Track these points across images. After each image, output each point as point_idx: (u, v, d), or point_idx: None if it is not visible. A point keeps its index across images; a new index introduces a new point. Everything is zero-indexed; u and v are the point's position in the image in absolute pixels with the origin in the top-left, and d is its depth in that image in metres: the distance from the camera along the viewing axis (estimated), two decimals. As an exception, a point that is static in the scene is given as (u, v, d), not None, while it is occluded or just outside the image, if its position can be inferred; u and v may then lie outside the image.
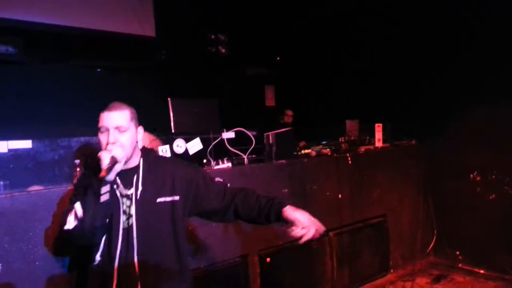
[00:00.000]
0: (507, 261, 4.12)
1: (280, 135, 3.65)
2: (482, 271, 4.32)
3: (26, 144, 2.35)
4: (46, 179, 2.33)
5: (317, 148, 4.15)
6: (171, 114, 3.30)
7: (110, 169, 1.67)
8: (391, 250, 4.25)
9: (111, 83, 4.80)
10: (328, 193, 3.74)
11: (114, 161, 1.70)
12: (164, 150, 3.09)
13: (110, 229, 1.79)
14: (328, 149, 4.13)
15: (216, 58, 6.14)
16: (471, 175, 4.43)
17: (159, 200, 1.88)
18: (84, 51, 4.79)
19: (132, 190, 1.85)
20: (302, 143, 4.52)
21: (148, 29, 5.51)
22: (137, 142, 1.90)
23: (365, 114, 4.72)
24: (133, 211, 1.83)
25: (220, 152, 3.31)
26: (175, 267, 1.90)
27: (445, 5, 4.57)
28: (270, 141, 3.60)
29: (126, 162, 1.82)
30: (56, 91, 4.56)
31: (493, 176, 4.29)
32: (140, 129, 1.92)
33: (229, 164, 3.22)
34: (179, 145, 3.04)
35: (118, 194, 1.83)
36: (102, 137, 1.81)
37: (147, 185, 1.87)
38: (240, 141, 3.45)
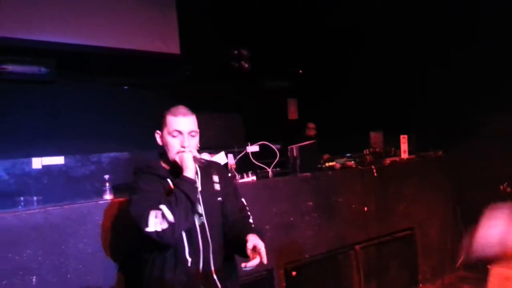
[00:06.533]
0: (542, 275, 3.97)
1: (304, 148, 3.66)
2: (515, 286, 4.16)
3: (59, 160, 2.44)
4: (78, 194, 2.41)
5: (342, 160, 4.13)
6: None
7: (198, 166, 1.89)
8: (419, 263, 4.15)
9: (138, 100, 4.91)
10: (353, 206, 3.71)
11: (197, 161, 1.89)
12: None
13: (190, 228, 1.86)
14: (352, 162, 4.10)
15: (239, 73, 6.23)
16: (501, 186, 4.32)
17: (217, 199, 2.01)
18: (112, 69, 4.93)
19: (196, 186, 1.92)
20: (326, 156, 4.51)
21: (172, 47, 5.66)
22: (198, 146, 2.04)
23: (389, 125, 4.69)
24: (201, 210, 1.92)
25: (244, 165, 3.35)
26: (230, 263, 2.06)
27: (468, 14, 4.54)
28: (294, 154, 3.61)
29: None
30: (86, 109, 4.72)
31: (524, 187, 4.17)
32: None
33: (254, 178, 3.24)
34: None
35: None
36: (175, 141, 1.91)
37: (205, 185, 1.99)
38: (264, 154, 3.47)
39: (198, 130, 1.98)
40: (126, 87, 5.19)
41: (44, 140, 4.19)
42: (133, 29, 5.34)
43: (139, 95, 5.06)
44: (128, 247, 2.32)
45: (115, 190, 2.64)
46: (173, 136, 1.91)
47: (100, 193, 2.56)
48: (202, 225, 1.91)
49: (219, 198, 2.03)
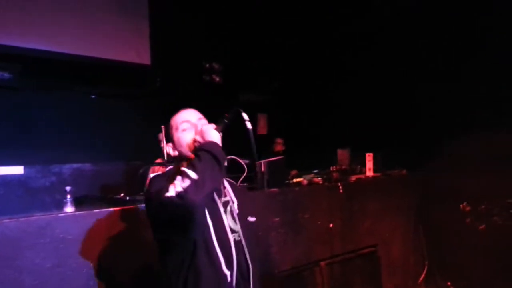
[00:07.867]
0: (498, 292, 4.11)
1: (272, 163, 3.67)
2: (473, 303, 4.29)
3: (18, 170, 2.35)
4: (37, 206, 2.33)
5: (309, 176, 4.17)
6: (164, 142, 3.30)
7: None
8: (382, 280, 4.21)
9: (105, 110, 4.80)
10: (319, 222, 3.74)
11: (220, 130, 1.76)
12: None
13: (222, 239, 1.66)
14: (319, 178, 4.15)
15: (210, 86, 6.22)
16: (461, 205, 4.47)
17: (250, 219, 1.86)
18: (79, 77, 4.81)
19: (227, 199, 1.79)
20: (293, 172, 4.53)
21: (143, 57, 5.59)
22: None
23: (356, 143, 4.78)
24: (233, 225, 1.74)
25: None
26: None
27: (435, 33, 4.72)
28: (262, 170, 3.62)
29: None
30: (50, 117, 4.56)
31: (483, 206, 4.32)
32: None
33: (221, 192, 3.21)
34: (171, 173, 3.04)
35: (217, 199, 1.73)
36: (187, 132, 1.76)
37: (238, 198, 1.84)
38: (232, 169, 3.45)
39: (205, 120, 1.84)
40: (93, 96, 5.06)
41: (3, 149, 4.01)
42: (103, 37, 5.24)
43: (107, 105, 4.94)
44: (99, 262, 2.24)
45: (76, 202, 2.56)
46: (184, 129, 1.76)
47: (61, 205, 2.48)
48: (238, 243, 1.72)
49: (252, 219, 1.87)
